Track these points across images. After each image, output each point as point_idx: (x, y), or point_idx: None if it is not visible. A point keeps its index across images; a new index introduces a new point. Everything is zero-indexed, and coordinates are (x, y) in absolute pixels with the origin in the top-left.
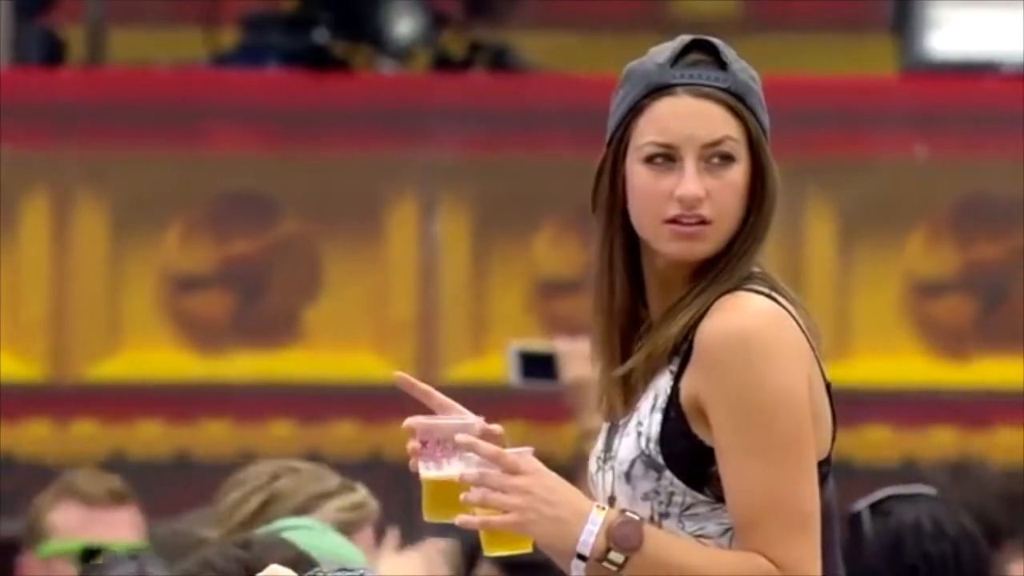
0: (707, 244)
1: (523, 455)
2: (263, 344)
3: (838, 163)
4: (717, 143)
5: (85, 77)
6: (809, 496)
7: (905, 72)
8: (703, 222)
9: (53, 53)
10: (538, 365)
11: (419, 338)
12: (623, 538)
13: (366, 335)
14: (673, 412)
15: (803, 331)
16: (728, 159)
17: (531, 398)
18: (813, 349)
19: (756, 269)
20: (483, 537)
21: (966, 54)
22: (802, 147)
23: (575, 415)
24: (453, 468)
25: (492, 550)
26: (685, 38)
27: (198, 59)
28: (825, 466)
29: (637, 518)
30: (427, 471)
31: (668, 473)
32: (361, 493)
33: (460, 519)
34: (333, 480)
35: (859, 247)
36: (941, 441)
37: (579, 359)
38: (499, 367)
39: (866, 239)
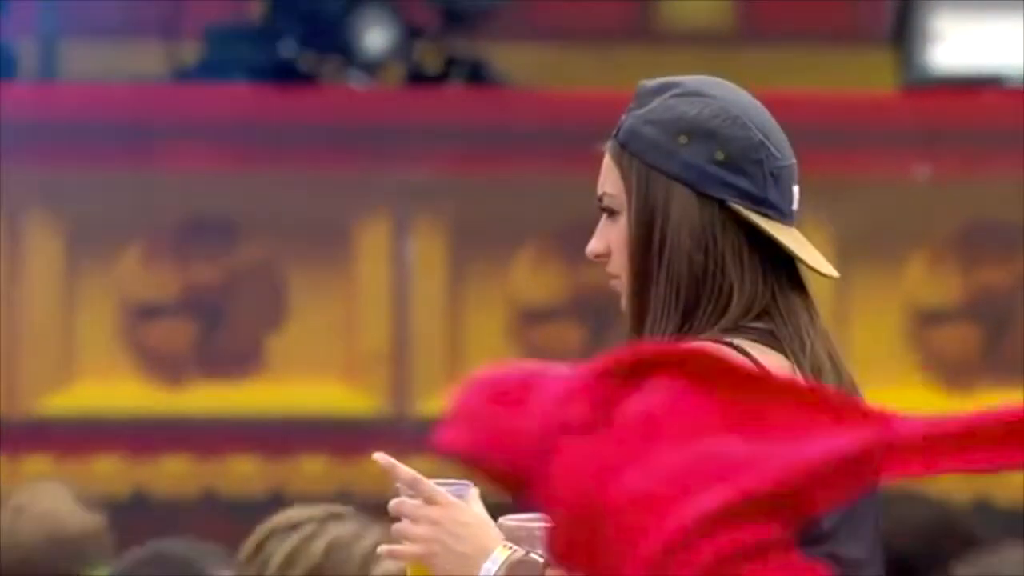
0: (623, 298)
1: (462, 488)
2: (226, 375)
3: (834, 183)
4: (600, 198)
5: (37, 92)
6: None
7: (905, 87)
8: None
9: (3, 67)
10: None
11: (391, 368)
12: None
13: (335, 365)
14: None
15: None
16: (612, 213)
17: None
18: None
19: (723, 337)
20: (407, 569)
21: (969, 68)
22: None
23: None
24: None
25: None
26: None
27: (158, 74)
28: None
29: (540, 560)
30: None
31: None
32: None
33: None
34: None
35: (857, 273)
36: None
37: None
38: None
39: (864, 264)
